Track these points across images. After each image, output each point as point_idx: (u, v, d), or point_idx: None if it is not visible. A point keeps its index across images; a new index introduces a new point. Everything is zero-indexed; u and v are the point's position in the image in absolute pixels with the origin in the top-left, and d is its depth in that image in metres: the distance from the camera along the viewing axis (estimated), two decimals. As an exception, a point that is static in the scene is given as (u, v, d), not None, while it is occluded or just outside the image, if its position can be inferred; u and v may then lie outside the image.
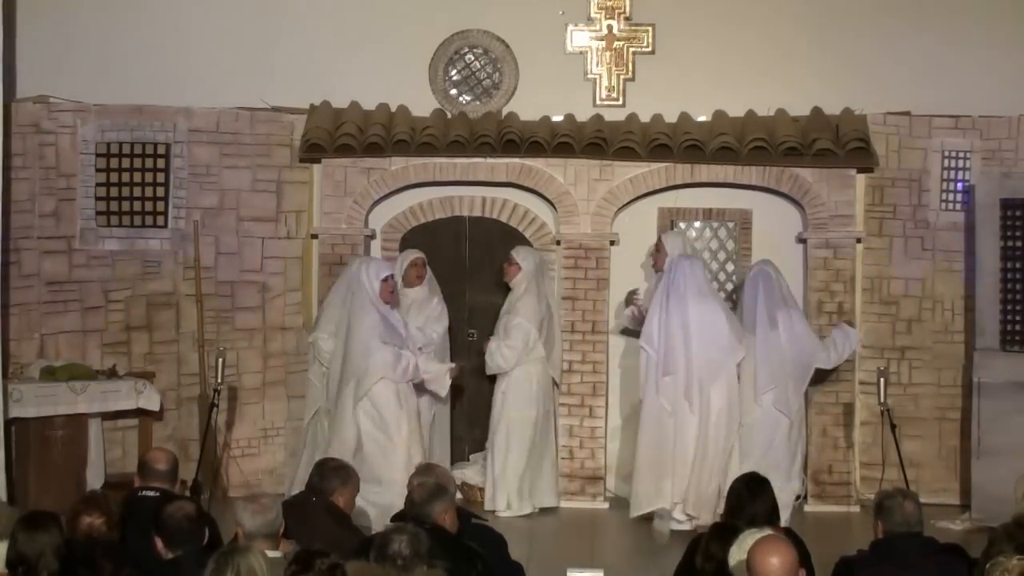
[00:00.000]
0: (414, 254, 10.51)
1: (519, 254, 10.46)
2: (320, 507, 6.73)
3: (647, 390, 9.70)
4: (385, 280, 9.58)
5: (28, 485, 9.31)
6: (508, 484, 10.10)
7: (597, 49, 11.21)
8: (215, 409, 10.21)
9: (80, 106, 10.70)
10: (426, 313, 10.33)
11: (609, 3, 11.20)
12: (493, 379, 10.39)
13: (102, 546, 5.70)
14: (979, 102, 10.84)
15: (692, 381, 9.58)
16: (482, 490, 10.29)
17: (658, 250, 10.32)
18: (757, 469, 9.51)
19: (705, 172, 10.78)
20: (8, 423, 8.93)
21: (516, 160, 10.77)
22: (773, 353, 9.88)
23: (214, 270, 10.86)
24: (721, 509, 7.42)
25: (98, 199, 10.71)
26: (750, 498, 6.42)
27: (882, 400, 10.11)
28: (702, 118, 10.99)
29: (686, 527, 9.35)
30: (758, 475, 6.82)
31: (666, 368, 9.62)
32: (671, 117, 10.94)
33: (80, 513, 5.90)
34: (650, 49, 11.20)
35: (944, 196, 10.92)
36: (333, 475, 7.01)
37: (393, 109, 11.05)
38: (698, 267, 9.93)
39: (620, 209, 10.88)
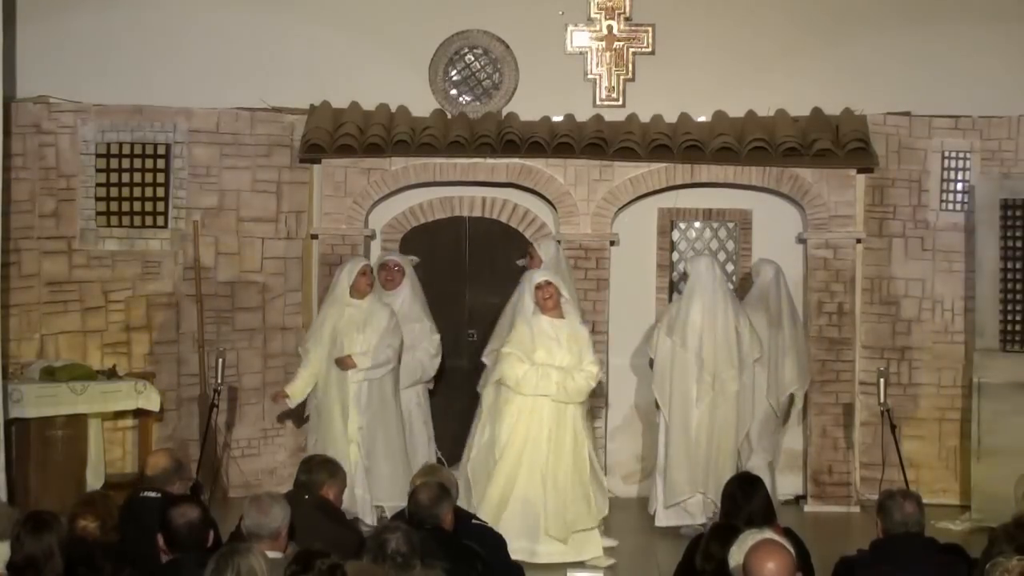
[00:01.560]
0: (362, 262, 9.86)
1: (402, 259, 10.25)
2: (312, 505, 6.73)
3: (680, 385, 9.61)
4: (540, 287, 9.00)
5: (28, 485, 9.30)
6: None
7: (597, 49, 11.21)
8: (215, 409, 10.23)
9: (80, 106, 10.69)
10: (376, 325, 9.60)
11: (609, 3, 11.20)
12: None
13: (103, 547, 5.70)
14: (979, 102, 10.84)
15: (724, 375, 9.59)
16: None
17: (532, 257, 10.21)
18: (772, 459, 9.93)
19: (705, 172, 10.78)
20: (8, 423, 8.91)
21: (516, 160, 10.77)
22: (801, 347, 10.29)
23: (214, 270, 10.86)
24: None
25: (98, 199, 10.71)
26: (744, 498, 6.42)
27: (882, 400, 10.15)
28: (702, 118, 10.99)
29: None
30: (749, 474, 6.85)
31: (703, 362, 9.58)
32: (671, 117, 10.94)
33: (76, 515, 5.89)
34: (650, 49, 11.20)
35: (944, 196, 10.92)
36: (321, 468, 7.03)
37: (393, 109, 11.05)
38: (718, 267, 10.02)
39: (620, 209, 10.88)
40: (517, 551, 8.10)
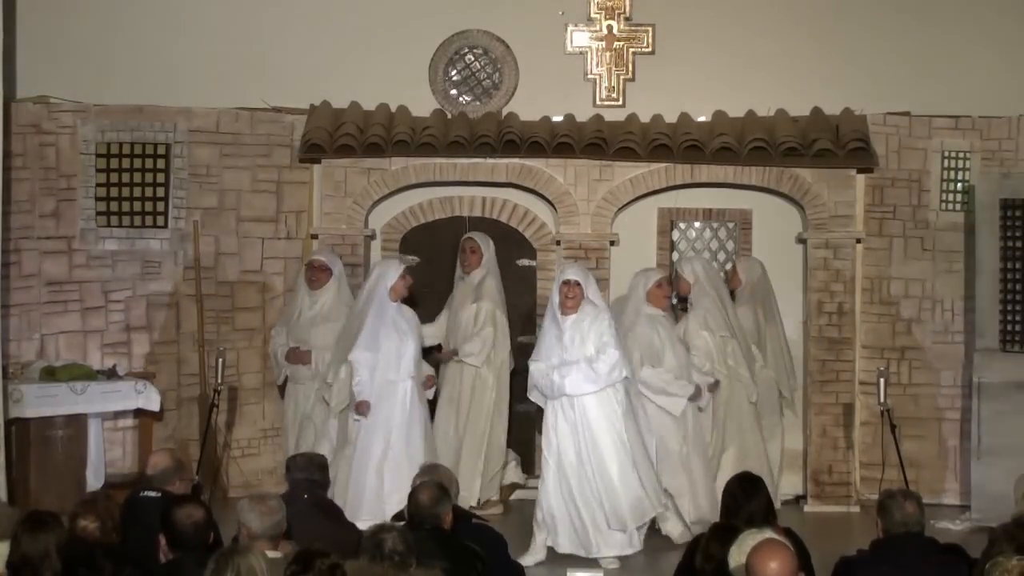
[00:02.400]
0: (402, 264, 9.75)
1: (329, 259, 10.18)
2: (311, 504, 6.73)
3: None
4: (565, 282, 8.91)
5: (28, 485, 9.31)
6: None
7: (597, 49, 11.21)
8: (215, 409, 10.24)
9: (80, 106, 10.69)
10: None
11: (609, 3, 11.20)
12: None
13: (103, 547, 5.70)
14: (979, 102, 10.84)
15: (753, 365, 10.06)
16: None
17: (473, 252, 10.19)
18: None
19: (705, 172, 10.78)
20: (8, 423, 8.89)
21: (516, 160, 10.76)
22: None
23: (214, 270, 10.86)
24: None
25: (98, 199, 10.70)
26: (745, 498, 6.41)
27: (882, 400, 10.16)
28: (702, 118, 10.98)
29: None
30: (751, 474, 6.84)
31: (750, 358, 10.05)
32: (671, 117, 10.93)
33: (77, 516, 5.90)
34: (650, 49, 11.20)
35: (944, 196, 10.92)
36: (324, 469, 7.04)
37: (393, 109, 11.05)
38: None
39: (620, 209, 10.88)
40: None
